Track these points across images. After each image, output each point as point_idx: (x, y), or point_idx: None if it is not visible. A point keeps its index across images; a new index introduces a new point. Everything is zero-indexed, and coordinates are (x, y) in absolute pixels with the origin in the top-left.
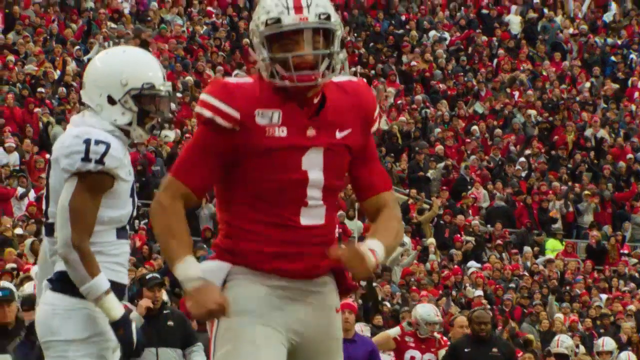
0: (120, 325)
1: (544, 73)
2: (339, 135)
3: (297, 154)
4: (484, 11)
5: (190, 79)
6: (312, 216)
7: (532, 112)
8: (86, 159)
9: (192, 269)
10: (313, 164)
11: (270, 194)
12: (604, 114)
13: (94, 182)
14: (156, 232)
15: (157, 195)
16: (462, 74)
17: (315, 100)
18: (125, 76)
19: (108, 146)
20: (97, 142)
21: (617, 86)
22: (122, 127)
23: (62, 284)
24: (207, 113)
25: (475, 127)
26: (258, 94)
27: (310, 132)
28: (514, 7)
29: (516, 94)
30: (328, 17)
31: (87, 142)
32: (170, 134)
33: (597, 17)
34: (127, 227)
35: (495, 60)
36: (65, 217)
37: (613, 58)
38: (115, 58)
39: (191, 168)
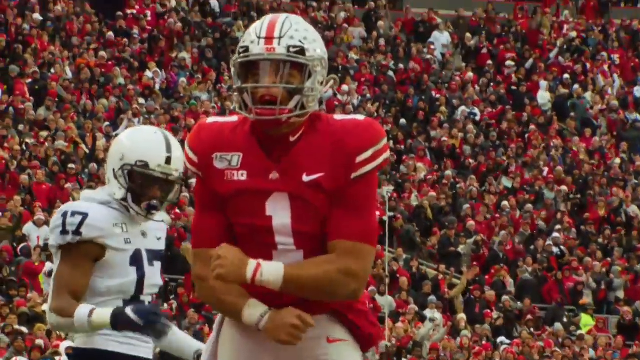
0: (121, 320)
1: (574, 149)
2: (305, 178)
3: (260, 198)
4: (514, 87)
5: None
6: (287, 260)
7: (563, 187)
8: (64, 231)
9: (258, 307)
10: (278, 209)
11: (241, 239)
12: (635, 190)
13: (76, 252)
14: (209, 303)
15: (192, 272)
16: (492, 149)
17: (292, 139)
18: (124, 151)
19: (85, 216)
20: (74, 214)
21: None
22: (122, 202)
23: (78, 359)
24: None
25: (505, 203)
26: (224, 136)
27: (273, 175)
28: (543, 83)
29: (546, 169)
30: (301, 51)
31: (65, 215)
32: (166, 218)
33: (628, 92)
34: (143, 298)
35: (526, 136)
36: (52, 290)
37: None
38: (129, 134)
39: (204, 229)
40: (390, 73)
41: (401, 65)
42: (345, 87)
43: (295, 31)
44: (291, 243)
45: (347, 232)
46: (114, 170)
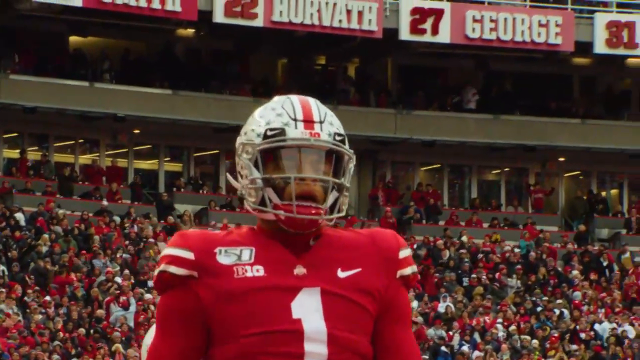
0: None
1: None
2: (341, 274)
3: (284, 298)
4: None
5: None
6: None
7: None
8: None
9: None
10: (308, 311)
11: (254, 355)
12: None
13: None
14: None
15: None
16: None
17: (312, 243)
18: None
19: None
20: None
21: None
22: None
23: None
24: (160, 267)
25: None
26: (220, 236)
27: (299, 270)
28: None
29: None
30: (343, 140)
31: None
32: None
33: (431, 307)
34: None
35: None
36: None
37: (444, 348)
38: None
39: (167, 354)
40: None
41: None
42: (148, 296)
43: (332, 117)
44: (324, 355)
45: (411, 355)
46: None
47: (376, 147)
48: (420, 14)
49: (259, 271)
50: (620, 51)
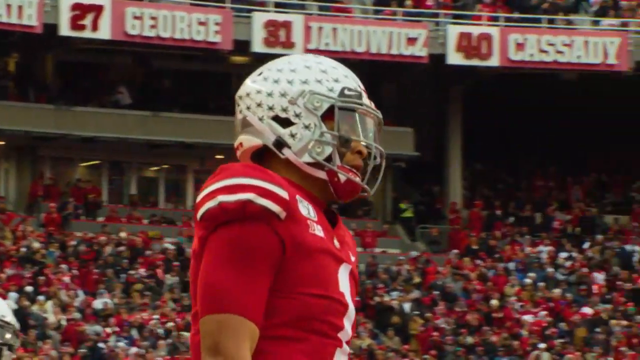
0: None
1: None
2: (352, 258)
3: (334, 266)
4: None
5: None
6: None
7: None
8: None
9: None
10: (344, 286)
11: (311, 319)
12: None
13: None
14: None
15: (222, 351)
16: None
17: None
18: None
19: None
20: None
21: None
22: None
23: None
24: (245, 195)
25: None
26: (288, 182)
27: (336, 243)
28: (13, 295)
29: None
30: None
31: None
32: None
33: (86, 304)
34: None
35: None
36: None
37: (101, 345)
38: None
39: (246, 295)
40: None
41: None
42: None
43: None
44: (349, 336)
45: None
46: None
47: (35, 143)
48: (80, 10)
49: (321, 232)
50: (278, 50)
